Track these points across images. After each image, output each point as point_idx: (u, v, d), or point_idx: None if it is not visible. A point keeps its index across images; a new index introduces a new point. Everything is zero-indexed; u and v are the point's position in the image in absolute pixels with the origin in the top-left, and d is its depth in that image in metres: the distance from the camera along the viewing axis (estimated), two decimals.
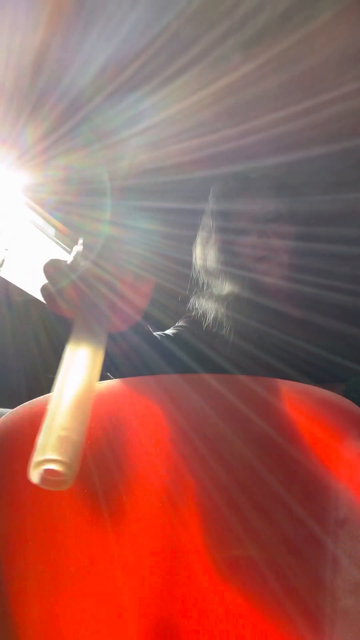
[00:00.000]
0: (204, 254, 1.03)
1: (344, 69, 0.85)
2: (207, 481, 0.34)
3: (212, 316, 0.95)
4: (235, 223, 0.99)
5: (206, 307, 0.97)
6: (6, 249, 1.20)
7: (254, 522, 0.32)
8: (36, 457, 0.32)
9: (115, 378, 0.86)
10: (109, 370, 0.73)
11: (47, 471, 0.33)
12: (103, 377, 0.92)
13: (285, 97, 0.93)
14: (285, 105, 0.94)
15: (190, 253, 1.10)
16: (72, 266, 0.59)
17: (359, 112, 0.94)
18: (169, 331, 0.99)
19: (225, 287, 0.97)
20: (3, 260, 1.19)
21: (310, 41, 0.80)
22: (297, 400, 0.35)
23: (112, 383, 0.42)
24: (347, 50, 0.82)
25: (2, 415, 0.48)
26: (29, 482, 0.42)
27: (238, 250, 0.97)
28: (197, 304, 0.99)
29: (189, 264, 1.09)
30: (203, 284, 1.03)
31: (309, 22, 0.77)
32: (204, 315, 0.97)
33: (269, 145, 1.01)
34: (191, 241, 1.11)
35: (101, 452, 0.39)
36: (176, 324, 1.04)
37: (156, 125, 1.03)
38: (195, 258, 1.06)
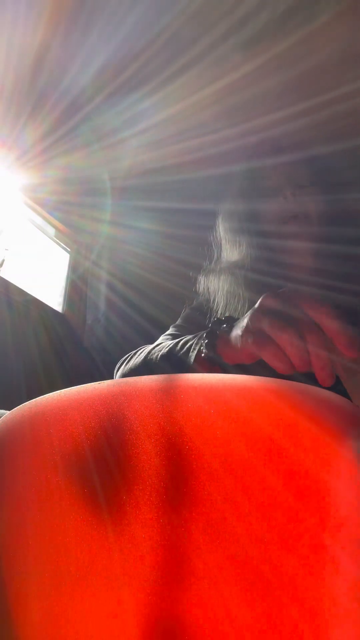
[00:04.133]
0: (229, 219, 0.96)
1: (344, 69, 0.85)
2: (207, 481, 0.34)
3: (223, 293, 0.87)
4: (264, 185, 0.91)
5: (219, 286, 0.89)
6: (6, 249, 1.20)
7: (254, 522, 0.32)
8: None
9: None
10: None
11: None
12: (103, 378, 0.91)
13: (285, 97, 0.93)
14: (285, 105, 0.94)
15: (190, 253, 1.10)
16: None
17: (359, 112, 0.93)
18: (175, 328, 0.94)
19: (240, 257, 0.90)
20: (3, 260, 1.19)
21: (310, 41, 0.80)
22: (297, 400, 0.35)
23: (112, 383, 0.42)
24: (347, 50, 0.82)
25: (1, 415, 0.48)
26: (29, 482, 0.42)
27: (264, 213, 0.90)
28: (207, 284, 0.92)
29: (189, 264, 1.09)
30: (218, 255, 0.96)
31: (309, 22, 0.77)
32: (211, 297, 0.89)
33: (269, 145, 1.00)
34: (191, 241, 1.10)
35: (101, 452, 0.39)
36: (182, 314, 0.99)
37: (156, 125, 1.03)
38: (217, 227, 0.98)
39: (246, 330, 0.54)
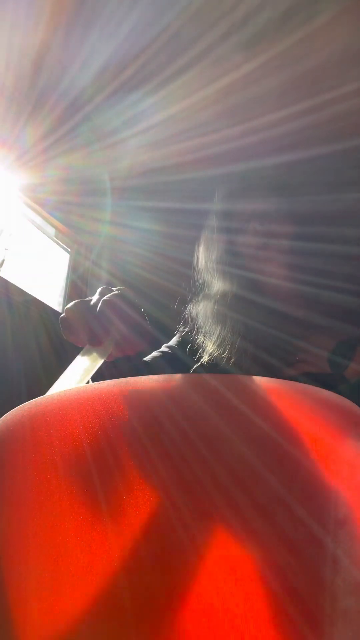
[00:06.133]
0: (205, 256, 1.02)
1: (344, 69, 0.85)
2: (207, 481, 0.34)
3: (206, 317, 0.93)
4: (236, 222, 0.98)
5: (201, 311, 0.95)
6: (6, 249, 1.20)
7: (254, 522, 0.32)
8: None
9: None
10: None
11: None
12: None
13: (285, 97, 0.92)
14: (285, 105, 0.94)
15: (190, 253, 1.10)
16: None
17: (359, 112, 0.93)
18: (161, 350, 1.00)
19: (223, 286, 0.95)
20: (3, 260, 1.19)
21: (310, 41, 0.80)
22: (297, 400, 0.35)
23: (112, 383, 0.42)
24: (347, 50, 0.82)
25: None
26: (29, 482, 0.42)
27: (238, 247, 0.96)
28: (192, 311, 0.98)
29: (189, 264, 1.09)
30: (200, 287, 1.01)
31: (309, 22, 0.77)
32: (198, 321, 0.96)
33: (269, 145, 1.00)
34: (191, 241, 1.10)
35: (101, 452, 0.39)
36: (171, 341, 1.04)
37: (156, 125, 1.03)
38: (197, 260, 1.04)
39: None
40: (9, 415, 0.46)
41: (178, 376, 0.40)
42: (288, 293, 0.90)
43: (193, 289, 1.01)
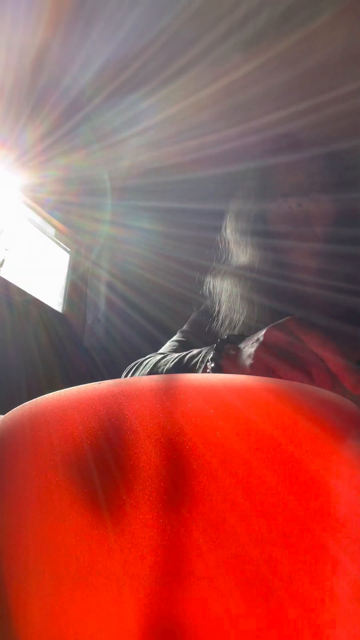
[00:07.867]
0: (234, 224, 0.94)
1: (344, 69, 0.85)
2: (207, 481, 0.34)
3: (224, 298, 0.86)
4: (275, 187, 0.90)
5: (221, 288, 0.88)
6: (6, 249, 1.20)
7: (254, 522, 0.32)
8: None
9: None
10: None
11: None
12: (103, 378, 0.91)
13: (285, 97, 0.93)
14: (285, 105, 0.94)
15: (191, 253, 1.09)
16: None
17: (359, 112, 0.93)
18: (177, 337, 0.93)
19: (247, 259, 0.88)
20: (3, 260, 1.19)
21: (310, 41, 0.80)
22: (297, 400, 0.35)
23: (112, 383, 0.42)
24: (347, 50, 0.82)
25: None
26: (29, 482, 0.42)
27: (271, 217, 0.89)
28: (214, 285, 0.90)
29: (190, 264, 1.08)
30: (225, 256, 0.94)
31: (309, 22, 0.77)
32: (216, 300, 0.88)
33: (269, 145, 1.00)
34: (191, 241, 1.09)
35: (101, 452, 0.39)
36: (189, 320, 0.96)
37: (156, 125, 1.03)
38: (225, 225, 0.96)
39: (256, 362, 0.53)
40: (9, 415, 0.46)
41: (178, 376, 0.40)
42: (318, 273, 0.83)
43: (216, 257, 0.94)
